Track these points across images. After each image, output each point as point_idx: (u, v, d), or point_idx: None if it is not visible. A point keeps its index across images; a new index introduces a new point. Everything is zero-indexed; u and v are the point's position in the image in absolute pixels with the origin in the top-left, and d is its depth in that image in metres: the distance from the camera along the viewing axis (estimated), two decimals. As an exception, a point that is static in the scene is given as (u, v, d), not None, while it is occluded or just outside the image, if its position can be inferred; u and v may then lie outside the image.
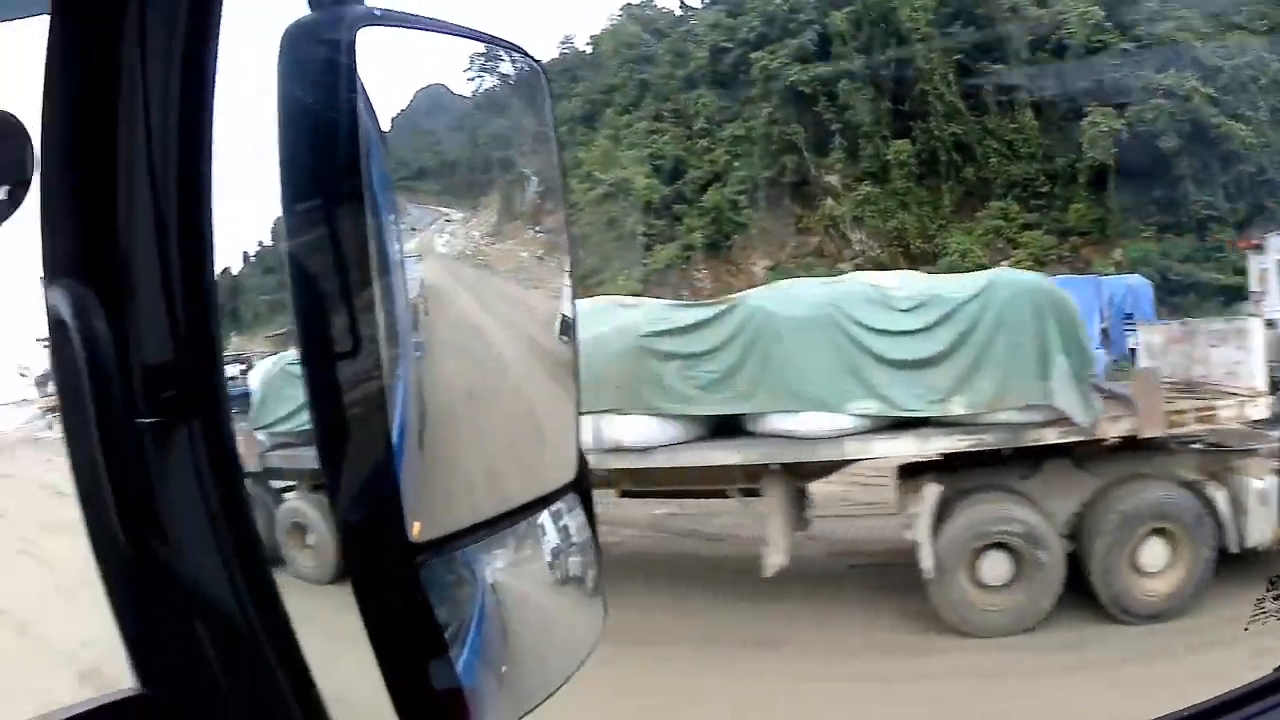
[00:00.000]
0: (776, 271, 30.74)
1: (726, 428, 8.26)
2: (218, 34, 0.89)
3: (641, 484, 8.69)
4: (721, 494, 8.93)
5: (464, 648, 0.75)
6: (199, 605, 0.92)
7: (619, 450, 7.81)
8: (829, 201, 33.84)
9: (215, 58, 0.90)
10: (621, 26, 41.13)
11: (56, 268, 0.90)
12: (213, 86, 0.90)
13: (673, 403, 7.97)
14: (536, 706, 0.81)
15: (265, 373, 10.91)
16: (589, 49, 41.45)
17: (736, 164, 34.63)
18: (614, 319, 8.31)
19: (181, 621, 0.92)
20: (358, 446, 0.67)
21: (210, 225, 0.92)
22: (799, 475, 8.37)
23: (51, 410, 39.56)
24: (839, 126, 34.23)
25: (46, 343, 0.87)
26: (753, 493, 8.33)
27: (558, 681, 0.84)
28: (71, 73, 0.89)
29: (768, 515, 8.07)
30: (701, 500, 9.85)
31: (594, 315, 8.31)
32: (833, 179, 34.19)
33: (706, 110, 36.03)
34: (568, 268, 0.91)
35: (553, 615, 0.91)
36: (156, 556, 0.90)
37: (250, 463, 9.50)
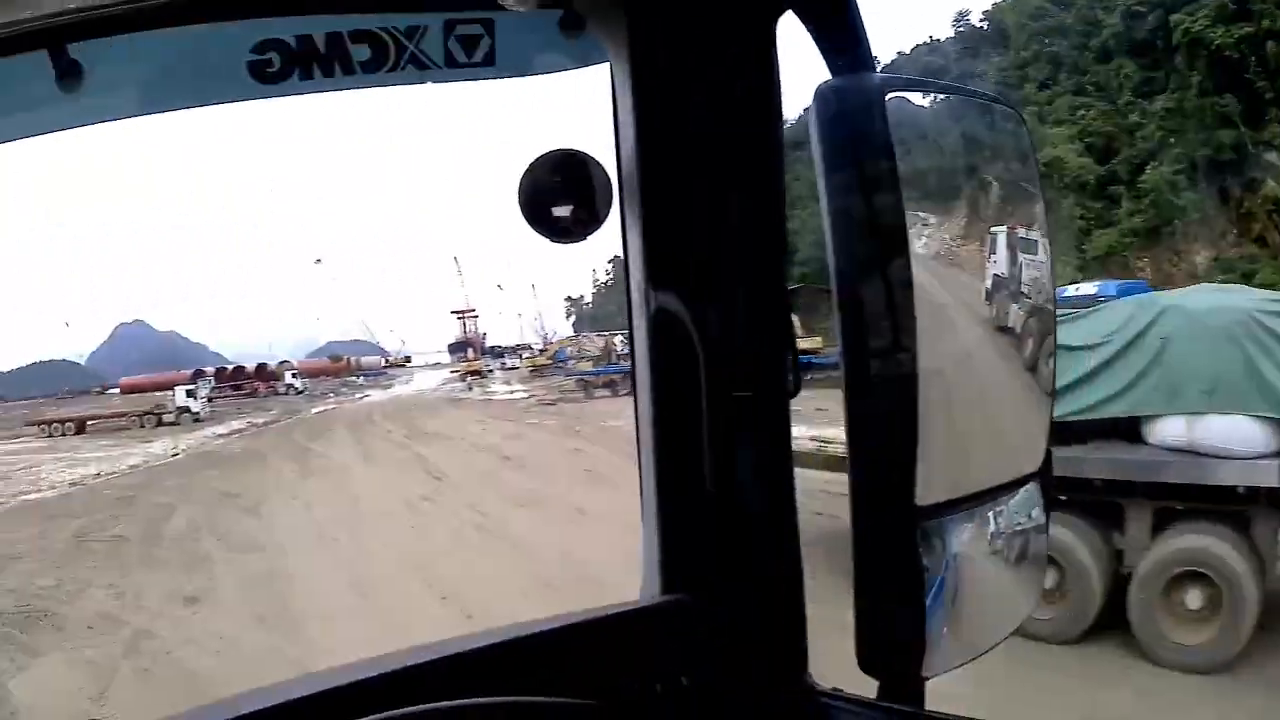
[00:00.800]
0: (1219, 264, 27.93)
1: None
2: (778, 71, 1.12)
3: None
4: None
5: (927, 600, 0.92)
6: (740, 527, 1.18)
7: None
8: (1270, 183, 30.33)
9: (780, 93, 1.13)
10: (1021, -1, 38.32)
11: (658, 277, 1.18)
12: (780, 117, 1.14)
13: None
14: (967, 662, 0.99)
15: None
16: (984, 25, 39.27)
17: (1171, 140, 31.49)
18: None
19: (711, 541, 1.20)
20: (888, 424, 0.87)
21: (783, 236, 1.18)
22: None
23: (471, 373, 43.26)
24: (1272, 95, 30.53)
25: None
26: None
27: (989, 644, 1.03)
28: (650, 115, 1.15)
29: None
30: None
31: None
32: (1271, 156, 30.62)
33: (1130, 82, 33.09)
34: (1045, 267, 1.06)
35: (996, 586, 1.10)
36: (723, 493, 1.18)
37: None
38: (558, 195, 1.16)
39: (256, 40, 1.19)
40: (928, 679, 0.98)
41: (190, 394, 34.79)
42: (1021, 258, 1.04)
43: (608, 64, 1.21)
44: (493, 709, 1.07)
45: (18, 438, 32.20)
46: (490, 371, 44.92)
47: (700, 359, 1.15)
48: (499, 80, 1.30)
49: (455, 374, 45.92)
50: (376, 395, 42.83)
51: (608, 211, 1.18)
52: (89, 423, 33.49)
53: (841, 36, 0.96)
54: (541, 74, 1.33)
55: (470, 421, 28.06)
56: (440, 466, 19.74)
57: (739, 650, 1.19)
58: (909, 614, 0.92)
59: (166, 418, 33.15)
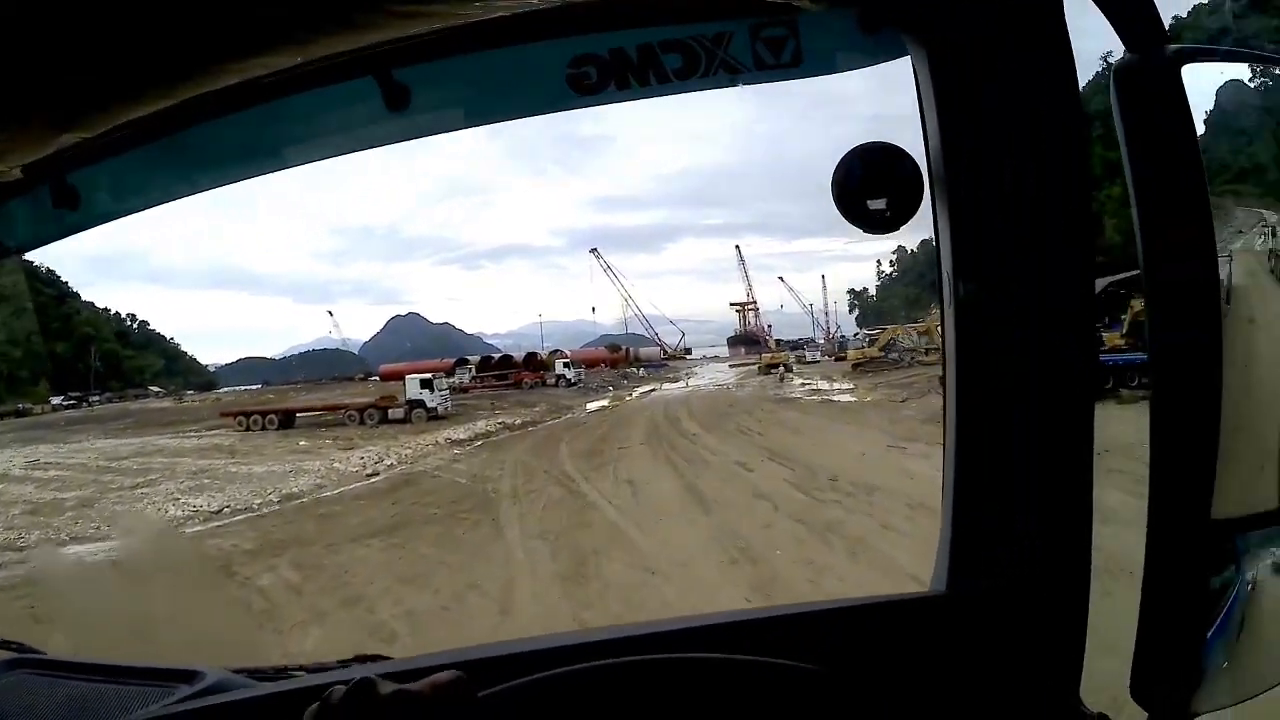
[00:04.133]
0: None
1: None
2: (1071, 51, 1.04)
3: None
4: None
5: (1211, 626, 0.85)
6: (1032, 531, 1.12)
7: None
8: None
9: (1074, 72, 1.04)
10: None
11: (966, 267, 1.12)
12: (1077, 97, 1.05)
13: None
14: (1246, 700, 0.88)
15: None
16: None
17: None
18: None
19: (1002, 541, 1.14)
20: (1190, 427, 0.83)
21: (1090, 222, 1.08)
22: None
23: (775, 366, 38.37)
24: None
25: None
26: None
27: (1270, 684, 0.90)
28: (953, 105, 1.10)
29: None
30: None
31: None
32: None
33: None
34: None
35: None
36: (1018, 494, 1.12)
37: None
38: (871, 188, 1.12)
39: (572, 55, 1.27)
40: (1197, 715, 0.92)
41: (426, 384, 25.93)
42: None
43: (908, 58, 1.18)
44: (728, 663, 1.11)
45: (212, 431, 24.78)
46: (791, 366, 39.58)
47: (1005, 352, 1.11)
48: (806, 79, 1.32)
49: (739, 366, 44.76)
50: (665, 390, 33.57)
51: (918, 202, 1.13)
52: (299, 414, 26.57)
53: (1134, 10, 0.95)
54: (846, 71, 1.33)
55: (862, 442, 15.04)
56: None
57: (1011, 654, 1.14)
58: (1191, 641, 0.89)
59: (394, 413, 24.03)
